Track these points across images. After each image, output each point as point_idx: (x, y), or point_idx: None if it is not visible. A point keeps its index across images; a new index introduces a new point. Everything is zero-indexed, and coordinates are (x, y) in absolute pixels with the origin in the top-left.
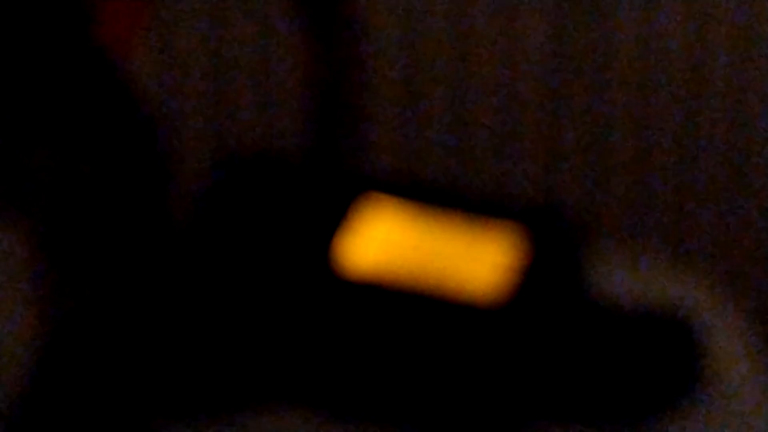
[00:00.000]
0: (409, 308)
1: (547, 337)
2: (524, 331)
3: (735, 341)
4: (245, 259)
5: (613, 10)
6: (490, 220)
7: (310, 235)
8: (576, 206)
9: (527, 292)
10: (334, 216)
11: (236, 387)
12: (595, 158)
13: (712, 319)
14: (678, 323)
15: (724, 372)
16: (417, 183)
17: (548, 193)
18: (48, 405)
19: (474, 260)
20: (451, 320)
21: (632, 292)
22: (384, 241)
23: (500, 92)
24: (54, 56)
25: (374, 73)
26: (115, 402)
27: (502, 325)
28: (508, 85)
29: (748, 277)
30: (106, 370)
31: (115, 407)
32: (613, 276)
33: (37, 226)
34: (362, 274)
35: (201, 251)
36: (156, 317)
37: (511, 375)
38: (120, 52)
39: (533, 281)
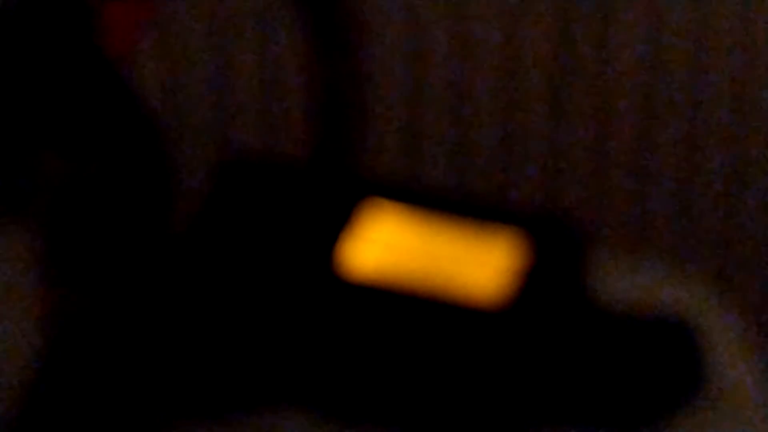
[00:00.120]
0: (412, 312)
1: (549, 341)
2: (526, 335)
3: (735, 344)
4: (248, 262)
5: (617, 16)
6: (493, 224)
7: (313, 238)
8: (578, 211)
9: (529, 295)
10: (338, 219)
11: (239, 388)
12: (597, 163)
13: (712, 323)
14: (679, 327)
15: (724, 373)
16: (420, 187)
17: (550, 197)
18: (48, 406)
19: (476, 264)
20: (453, 324)
21: (633, 296)
22: (387, 244)
23: (503, 97)
24: (58, 58)
25: (378, 77)
26: (116, 403)
27: (505, 329)
28: (511, 91)
29: (748, 280)
30: (108, 372)
31: (116, 408)
32: (614, 280)
33: (40, 226)
34: (365, 277)
35: (204, 253)
36: (158, 318)
37: (513, 378)
38: (124, 55)
39: (535, 285)
